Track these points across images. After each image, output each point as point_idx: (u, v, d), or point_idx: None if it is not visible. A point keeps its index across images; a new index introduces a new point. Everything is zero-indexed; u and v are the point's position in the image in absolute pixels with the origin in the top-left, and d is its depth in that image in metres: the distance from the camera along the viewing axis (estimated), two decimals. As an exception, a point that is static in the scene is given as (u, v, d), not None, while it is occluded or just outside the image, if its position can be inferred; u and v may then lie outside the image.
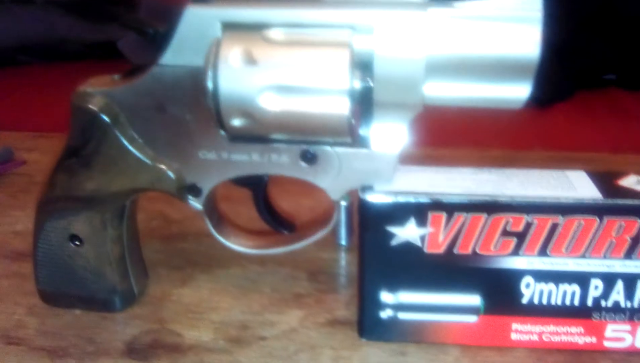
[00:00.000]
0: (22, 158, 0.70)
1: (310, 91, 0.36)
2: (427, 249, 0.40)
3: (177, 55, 0.37)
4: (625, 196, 0.38)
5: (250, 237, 0.45)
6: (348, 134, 0.37)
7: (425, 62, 0.36)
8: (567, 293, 0.40)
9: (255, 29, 0.36)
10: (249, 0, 0.37)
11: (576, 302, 0.41)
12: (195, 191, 0.41)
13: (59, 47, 1.42)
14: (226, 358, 0.41)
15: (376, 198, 0.39)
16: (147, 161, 0.40)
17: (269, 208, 0.43)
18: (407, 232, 0.40)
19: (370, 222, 0.40)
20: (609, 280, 0.40)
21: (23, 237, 0.55)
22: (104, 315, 0.45)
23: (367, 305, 0.42)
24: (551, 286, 0.40)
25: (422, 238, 0.40)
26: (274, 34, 0.36)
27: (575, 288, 0.40)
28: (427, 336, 0.42)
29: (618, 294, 0.40)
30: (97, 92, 0.39)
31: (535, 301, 0.41)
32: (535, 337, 0.42)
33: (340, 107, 0.36)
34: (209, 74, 0.36)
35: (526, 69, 0.36)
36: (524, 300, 0.41)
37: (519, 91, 0.37)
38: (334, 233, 0.53)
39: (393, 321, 0.42)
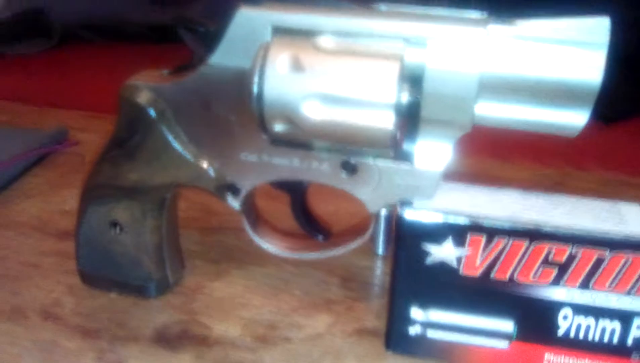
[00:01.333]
0: (76, 137, 0.71)
1: (356, 103, 0.35)
2: (463, 271, 0.39)
3: (226, 56, 0.37)
4: (679, 235, 0.36)
5: (285, 239, 0.45)
6: (391, 148, 0.37)
7: (478, 81, 0.34)
8: (606, 330, 0.39)
9: (306, 35, 0.36)
10: (302, 4, 0.37)
11: (615, 340, 0.39)
12: (234, 190, 0.41)
13: (120, 28, 1.45)
14: (250, 356, 0.42)
15: (414, 215, 0.38)
16: (189, 157, 0.41)
17: (306, 213, 0.43)
18: (443, 252, 0.39)
19: (407, 238, 0.39)
20: (654, 321, 0.38)
21: (71, 217, 0.56)
22: (137, 301, 0.46)
23: (395, 319, 0.41)
24: (590, 320, 0.39)
25: (459, 260, 0.39)
26: (324, 41, 0.36)
27: (616, 325, 0.39)
28: (454, 357, 0.41)
29: (662, 336, 0.38)
30: (146, 87, 0.40)
31: (572, 334, 0.39)
32: (568, 370, 0.40)
33: (384, 122, 0.35)
34: (256, 78, 0.36)
35: (586, 96, 0.34)
36: (560, 332, 0.39)
37: (576, 118, 0.35)
38: (372, 240, 0.53)
39: (421, 338, 0.41)
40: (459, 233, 0.38)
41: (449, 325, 0.41)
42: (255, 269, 0.50)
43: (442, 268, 0.39)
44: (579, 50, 0.33)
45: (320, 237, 0.44)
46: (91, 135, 0.72)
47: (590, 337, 0.39)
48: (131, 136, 0.41)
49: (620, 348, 0.39)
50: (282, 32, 0.36)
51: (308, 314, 0.46)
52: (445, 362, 0.42)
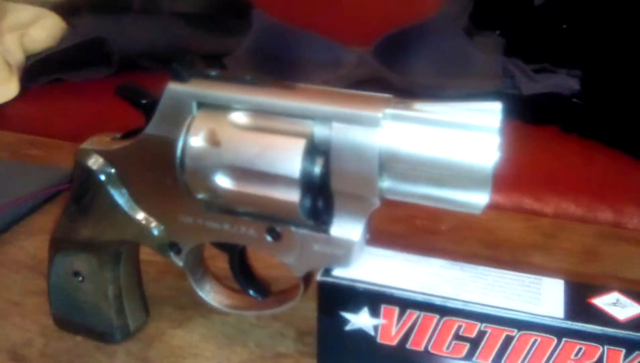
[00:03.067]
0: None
1: (263, 176, 0.37)
2: (380, 339, 0.40)
3: (159, 126, 0.40)
4: (589, 319, 0.36)
5: (230, 295, 0.47)
6: (302, 219, 0.38)
7: (378, 159, 0.36)
8: (523, 407, 0.39)
9: (226, 110, 0.38)
10: (227, 81, 0.39)
11: (533, 418, 0.39)
12: (176, 249, 0.44)
13: (178, 57, 1.52)
14: (187, 408, 0.44)
15: (332, 282, 0.40)
16: (135, 217, 0.44)
17: (245, 272, 0.45)
18: (360, 320, 0.40)
19: (326, 305, 0.40)
20: (569, 402, 0.37)
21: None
22: (100, 345, 0.50)
23: (323, 382, 0.43)
24: (506, 397, 0.39)
25: (376, 328, 0.40)
26: (238, 117, 0.38)
27: (532, 403, 0.38)
28: (379, 423, 0.42)
29: (579, 418, 0.38)
30: (96, 151, 0.43)
31: (491, 409, 0.39)
32: None
33: (290, 195, 0.37)
34: (178, 150, 0.39)
35: (481, 178, 0.35)
36: (479, 406, 0.39)
37: (477, 198, 0.36)
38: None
39: (347, 401, 0.42)
40: (373, 303, 0.39)
41: (372, 391, 0.41)
42: (217, 318, 0.53)
43: (361, 336, 0.40)
44: (471, 134, 0.34)
45: (257, 296, 0.45)
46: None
47: (508, 413, 0.39)
48: (83, 195, 0.44)
49: None
50: (206, 106, 0.39)
51: (253, 367, 0.48)
52: (371, 426, 0.42)
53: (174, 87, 0.39)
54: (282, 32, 1.37)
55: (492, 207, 0.72)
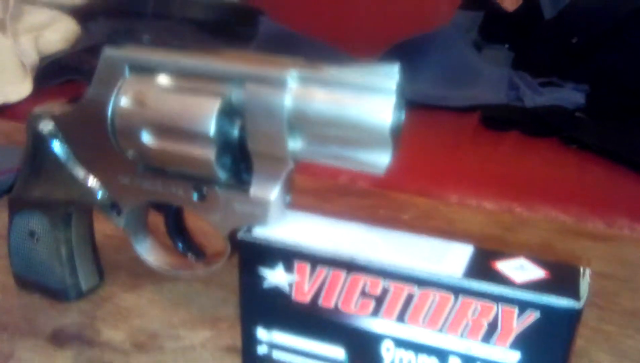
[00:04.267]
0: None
1: (183, 133, 0.40)
2: (294, 296, 0.41)
3: (95, 90, 0.43)
4: (486, 278, 0.37)
5: (167, 256, 0.49)
6: (223, 178, 0.41)
7: (286, 120, 0.38)
8: (427, 366, 0.40)
9: (153, 73, 0.41)
10: (157, 48, 0.42)
11: (436, 377, 0.40)
12: (117, 210, 0.47)
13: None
14: (121, 359, 0.46)
15: (249, 239, 0.42)
16: (79, 178, 0.47)
17: (180, 233, 0.48)
18: (276, 277, 0.42)
19: (245, 262, 0.42)
20: (468, 361, 0.38)
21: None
22: (54, 303, 0.53)
23: (246, 338, 0.44)
24: (411, 355, 0.40)
25: (290, 285, 0.41)
26: (163, 79, 0.41)
27: (434, 362, 0.39)
28: (297, 379, 0.44)
29: (479, 378, 0.39)
30: (45, 115, 0.47)
31: (397, 367, 0.40)
32: (399, 404, 0.41)
33: (206, 153, 0.39)
34: (109, 110, 0.42)
35: (381, 138, 0.36)
36: (386, 364, 0.41)
37: (380, 159, 0.38)
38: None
39: (268, 358, 0.44)
40: (286, 259, 0.41)
41: (290, 348, 0.43)
42: (167, 285, 0.55)
43: (277, 293, 0.42)
44: (370, 94, 0.36)
45: (191, 256, 0.48)
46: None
47: (413, 372, 0.40)
48: (34, 156, 0.48)
49: (441, 386, 0.40)
50: (137, 70, 0.42)
51: (192, 328, 0.50)
52: (290, 383, 0.44)
53: (109, 52, 0.42)
54: (287, 39, 1.40)
55: (462, 203, 0.73)
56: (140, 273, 0.57)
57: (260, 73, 0.38)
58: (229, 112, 0.39)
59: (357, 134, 0.37)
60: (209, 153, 0.39)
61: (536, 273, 0.38)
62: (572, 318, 0.36)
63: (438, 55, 1.47)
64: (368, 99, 0.36)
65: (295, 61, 0.38)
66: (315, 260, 0.40)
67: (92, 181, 0.47)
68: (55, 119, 0.46)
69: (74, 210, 0.50)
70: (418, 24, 1.52)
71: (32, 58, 1.27)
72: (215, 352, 0.47)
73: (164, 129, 0.40)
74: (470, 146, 1.26)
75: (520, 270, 0.38)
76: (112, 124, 0.42)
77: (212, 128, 0.39)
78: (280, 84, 0.38)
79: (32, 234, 0.51)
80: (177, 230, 0.48)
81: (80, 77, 1.34)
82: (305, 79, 0.38)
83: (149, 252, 0.49)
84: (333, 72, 0.37)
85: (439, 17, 1.55)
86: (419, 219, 0.68)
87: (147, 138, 0.41)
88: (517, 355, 0.37)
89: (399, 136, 0.38)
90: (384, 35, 1.49)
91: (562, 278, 0.38)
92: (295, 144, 0.39)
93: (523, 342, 0.37)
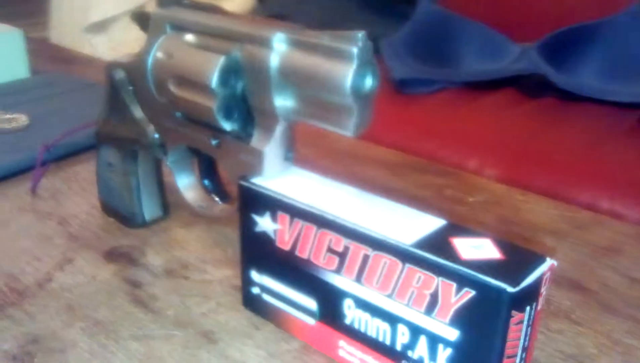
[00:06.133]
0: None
1: (194, 84, 0.45)
2: (278, 243, 0.45)
3: (148, 46, 0.50)
4: (432, 250, 0.37)
5: (201, 195, 0.55)
6: (226, 128, 0.45)
7: (270, 78, 0.41)
8: (379, 329, 0.41)
9: (185, 31, 0.47)
10: (194, 9, 0.48)
11: (387, 342, 0.41)
12: (164, 149, 0.54)
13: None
14: (150, 280, 0.54)
15: (245, 185, 0.46)
16: (138, 119, 0.54)
17: (209, 176, 0.53)
18: (264, 223, 0.45)
19: (242, 206, 0.47)
20: (414, 331, 0.39)
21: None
22: (122, 227, 0.62)
23: (244, 278, 0.49)
24: (367, 316, 0.41)
25: (275, 232, 0.45)
26: (189, 37, 0.46)
27: (386, 327, 0.40)
28: (279, 322, 0.47)
29: (423, 350, 0.39)
30: (118, 64, 0.55)
31: (356, 325, 0.42)
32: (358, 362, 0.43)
33: (209, 102, 0.44)
34: (150, 61, 0.48)
35: (344, 98, 0.38)
36: (347, 321, 0.43)
37: (347, 119, 0.39)
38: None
39: (259, 298, 0.48)
40: (272, 208, 0.44)
41: (275, 292, 0.47)
42: (216, 227, 0.61)
43: (265, 238, 0.46)
44: (337, 57, 0.38)
45: (215, 197, 0.53)
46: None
47: (369, 333, 0.42)
48: (110, 99, 0.56)
49: (392, 351, 0.41)
50: (175, 28, 0.48)
51: (219, 266, 0.56)
52: (275, 324, 0.48)
53: (155, 12, 0.49)
54: (445, 19, 1.38)
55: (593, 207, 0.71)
56: (200, 215, 0.64)
57: (252, 34, 0.42)
58: (234, 69, 0.44)
59: (326, 95, 0.39)
60: (211, 103, 0.44)
61: (491, 254, 0.37)
62: (504, 302, 0.35)
63: (606, 44, 1.35)
64: (334, 62, 0.38)
65: (285, 24, 0.41)
66: (293, 212, 0.43)
67: (148, 124, 0.54)
68: (125, 67, 0.54)
69: (139, 147, 0.58)
70: (591, 11, 1.41)
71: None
72: (227, 289, 0.52)
73: (181, 79, 0.46)
74: (618, 146, 1.15)
75: (476, 248, 0.38)
76: (151, 73, 0.49)
77: (214, 81, 0.43)
78: (267, 44, 0.41)
79: (109, 165, 0.60)
80: (206, 173, 0.53)
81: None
82: (289, 41, 0.40)
83: (187, 189, 0.55)
84: (312, 36, 0.40)
85: (616, 3, 1.41)
86: (484, 204, 0.66)
87: (172, 86, 0.47)
88: (456, 332, 0.37)
89: (370, 101, 0.39)
90: (551, 19, 1.41)
91: (516, 263, 0.37)
92: (284, 103, 0.42)
93: (462, 320, 0.36)
